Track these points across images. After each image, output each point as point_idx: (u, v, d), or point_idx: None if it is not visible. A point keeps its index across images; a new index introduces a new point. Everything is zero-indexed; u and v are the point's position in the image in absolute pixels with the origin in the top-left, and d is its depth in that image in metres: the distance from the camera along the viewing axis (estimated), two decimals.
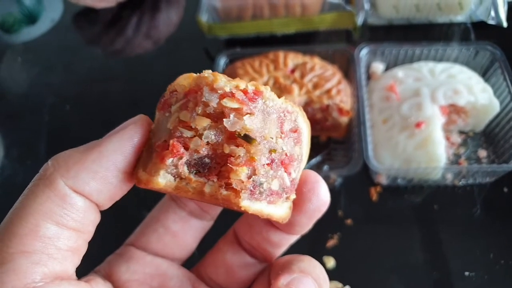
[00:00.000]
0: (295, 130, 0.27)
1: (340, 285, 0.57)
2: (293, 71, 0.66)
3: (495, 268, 0.57)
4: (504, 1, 0.76)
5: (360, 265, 0.59)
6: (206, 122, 0.24)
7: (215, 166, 0.25)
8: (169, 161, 0.24)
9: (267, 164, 0.25)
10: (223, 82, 0.24)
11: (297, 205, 0.29)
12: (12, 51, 0.96)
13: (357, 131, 0.63)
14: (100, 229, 0.27)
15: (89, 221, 0.26)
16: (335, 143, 0.69)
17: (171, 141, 0.24)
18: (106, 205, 0.27)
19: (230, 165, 0.24)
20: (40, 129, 0.79)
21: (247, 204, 0.24)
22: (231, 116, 0.24)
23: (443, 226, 0.61)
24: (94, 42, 0.96)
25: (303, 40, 0.84)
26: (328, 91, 0.64)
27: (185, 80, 0.25)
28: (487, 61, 0.69)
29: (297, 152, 0.27)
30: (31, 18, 1.01)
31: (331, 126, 0.67)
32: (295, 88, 0.63)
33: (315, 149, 0.69)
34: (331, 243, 0.61)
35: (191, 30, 0.89)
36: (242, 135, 0.24)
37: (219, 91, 0.24)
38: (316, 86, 0.64)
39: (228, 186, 0.24)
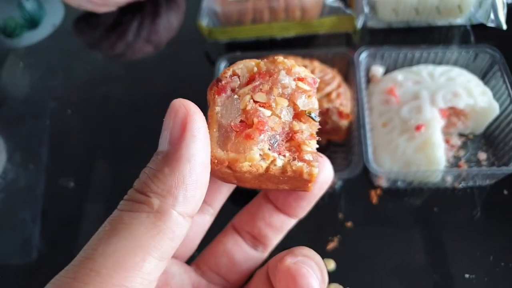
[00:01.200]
0: None
1: (340, 287, 0.57)
2: None
3: (495, 270, 0.57)
4: (503, 4, 0.76)
5: (360, 267, 0.59)
6: (285, 102, 0.27)
7: (282, 143, 0.27)
8: (260, 137, 0.26)
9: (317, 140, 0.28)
10: (298, 67, 0.28)
11: None
12: (13, 55, 0.96)
13: (357, 134, 0.63)
14: None
15: (179, 244, 0.25)
16: (335, 146, 0.69)
17: (255, 119, 0.26)
18: (196, 212, 0.26)
19: (299, 140, 0.27)
20: (42, 133, 0.80)
21: (317, 172, 0.27)
22: (303, 97, 0.27)
23: (443, 229, 0.62)
24: (95, 46, 0.97)
25: (303, 44, 0.84)
26: (328, 95, 0.64)
27: (248, 64, 0.28)
28: (486, 64, 0.70)
29: None
30: (33, 23, 1.02)
31: (331, 129, 0.67)
32: None
33: None
34: (332, 245, 0.61)
35: (192, 34, 0.89)
36: (310, 113, 0.27)
37: (296, 75, 0.27)
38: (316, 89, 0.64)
39: (301, 158, 0.27)
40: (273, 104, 0.27)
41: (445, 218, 0.62)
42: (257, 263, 0.35)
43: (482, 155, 0.66)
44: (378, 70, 0.72)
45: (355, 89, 0.67)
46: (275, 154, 0.27)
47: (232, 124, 0.27)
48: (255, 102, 0.27)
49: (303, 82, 0.28)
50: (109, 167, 0.75)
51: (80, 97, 0.86)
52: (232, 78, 0.28)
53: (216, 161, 0.26)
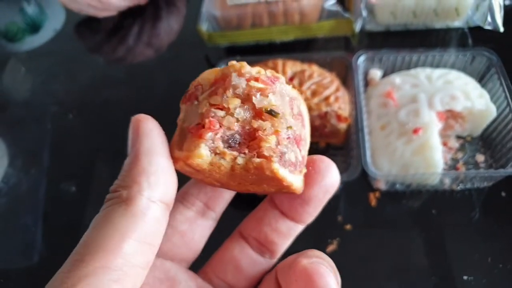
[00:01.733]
0: (300, 114, 0.31)
1: None
2: (291, 78, 0.67)
3: (493, 272, 0.58)
4: (500, 7, 0.76)
5: (359, 270, 0.60)
6: (237, 101, 0.28)
7: (244, 141, 0.28)
8: (208, 135, 0.27)
9: (287, 138, 0.28)
10: (249, 68, 0.29)
11: (310, 182, 0.31)
12: (15, 59, 0.97)
13: (355, 137, 0.64)
14: None
15: (160, 231, 0.27)
16: (334, 149, 0.70)
17: (206, 120, 0.27)
18: (172, 201, 0.28)
19: (260, 135, 0.27)
20: (43, 138, 0.81)
21: (277, 167, 0.28)
22: (258, 95, 0.28)
23: (442, 231, 0.62)
24: (96, 50, 0.98)
25: (302, 48, 0.85)
26: (326, 98, 0.65)
27: (209, 74, 0.30)
28: (483, 66, 0.70)
29: (303, 134, 0.31)
30: (34, 27, 1.03)
31: (330, 133, 0.68)
32: None
33: (314, 155, 0.70)
34: (331, 248, 0.61)
35: (192, 38, 0.90)
36: (268, 110, 0.28)
37: (246, 75, 0.28)
38: (314, 93, 0.65)
39: (260, 154, 0.28)
40: (225, 104, 0.28)
41: (443, 220, 0.63)
42: (264, 269, 0.35)
43: (480, 157, 0.67)
44: (376, 73, 0.73)
45: (353, 92, 0.67)
46: (235, 153, 0.28)
47: (189, 126, 0.28)
48: (211, 105, 0.28)
49: (256, 81, 0.28)
50: (111, 171, 0.76)
51: (81, 101, 0.86)
52: (197, 87, 0.30)
53: (174, 160, 0.28)
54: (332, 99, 0.65)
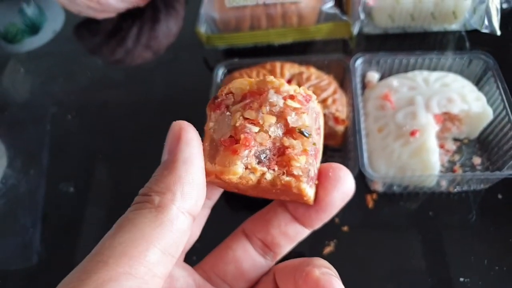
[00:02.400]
0: (319, 128, 0.32)
1: None
2: (289, 81, 0.67)
3: (489, 274, 0.58)
4: (497, 10, 0.77)
5: (356, 271, 0.60)
6: (273, 119, 0.28)
7: (273, 157, 0.29)
8: (244, 152, 0.28)
9: (312, 155, 0.29)
10: (287, 86, 0.29)
11: (329, 190, 0.32)
12: (14, 61, 0.97)
13: (352, 139, 0.64)
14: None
15: (183, 243, 0.27)
16: (331, 151, 0.70)
17: (242, 136, 0.28)
18: (198, 214, 0.28)
19: (290, 155, 0.28)
20: (42, 139, 0.81)
21: (305, 186, 0.29)
22: (293, 114, 0.29)
23: (438, 233, 0.62)
24: (95, 52, 0.98)
25: (300, 50, 0.85)
26: (324, 101, 0.65)
27: (242, 84, 0.30)
28: (480, 69, 0.71)
29: (321, 146, 0.32)
30: (34, 28, 1.03)
31: (328, 135, 0.68)
32: None
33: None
34: (328, 250, 0.62)
35: (190, 41, 0.90)
36: (300, 130, 0.29)
37: (284, 93, 0.29)
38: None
39: (289, 172, 0.28)
40: (261, 121, 0.28)
41: (440, 222, 0.63)
42: (264, 271, 0.36)
43: (477, 160, 0.67)
44: (373, 76, 0.73)
45: (351, 95, 0.68)
46: (264, 168, 0.28)
47: (222, 139, 0.28)
48: (245, 119, 0.28)
49: (293, 100, 0.29)
50: (109, 172, 0.76)
51: (80, 103, 0.87)
52: (227, 96, 0.30)
53: (205, 172, 0.28)
54: (329, 101, 0.65)
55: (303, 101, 0.29)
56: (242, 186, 0.29)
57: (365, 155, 0.62)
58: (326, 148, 0.72)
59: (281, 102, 0.29)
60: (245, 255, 0.35)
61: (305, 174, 0.28)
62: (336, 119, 0.65)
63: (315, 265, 0.29)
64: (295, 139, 0.29)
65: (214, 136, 0.29)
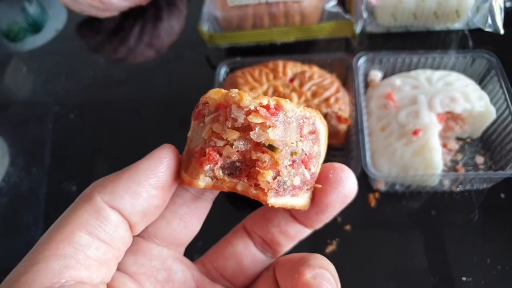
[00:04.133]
0: (313, 132, 0.31)
1: None
2: (292, 80, 0.67)
3: (492, 273, 0.58)
4: (500, 9, 0.77)
5: (359, 270, 0.60)
6: (235, 134, 0.28)
7: (245, 168, 0.29)
8: (207, 167, 0.29)
9: (289, 165, 0.29)
10: (248, 101, 0.28)
11: (329, 191, 0.31)
12: (17, 59, 0.98)
13: (355, 138, 0.64)
14: None
15: (120, 236, 0.28)
16: (334, 150, 0.70)
17: (207, 150, 0.28)
18: (139, 223, 0.29)
19: (258, 169, 0.28)
20: (45, 138, 0.81)
21: (273, 201, 0.29)
22: (257, 129, 0.28)
23: (441, 232, 0.62)
24: (97, 50, 0.98)
25: (302, 49, 0.85)
26: (326, 100, 0.65)
27: (215, 94, 0.30)
28: (483, 68, 0.70)
29: (316, 150, 0.31)
30: (36, 27, 1.03)
31: (330, 134, 0.68)
32: (294, 96, 0.65)
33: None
34: (330, 248, 0.62)
35: (193, 39, 0.90)
36: (266, 144, 0.28)
37: (245, 109, 0.28)
38: (314, 94, 0.65)
39: (257, 186, 0.29)
40: (224, 136, 0.29)
41: (442, 221, 0.63)
42: (264, 266, 0.36)
43: (480, 159, 0.67)
44: (376, 74, 0.73)
45: (354, 94, 0.67)
46: (234, 180, 0.29)
47: (195, 149, 0.30)
48: (213, 132, 0.29)
49: (256, 115, 0.28)
50: (111, 171, 0.76)
51: (83, 101, 0.87)
52: (204, 106, 0.30)
53: (180, 180, 0.30)
54: (332, 100, 0.65)
55: (267, 115, 0.28)
56: (229, 190, 0.30)
57: (368, 154, 0.62)
58: (329, 147, 0.71)
59: (242, 117, 0.28)
60: (246, 251, 0.35)
61: (273, 188, 0.28)
62: (339, 118, 0.65)
63: (310, 266, 0.29)
64: (263, 152, 0.28)
65: (191, 145, 0.31)
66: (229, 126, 0.28)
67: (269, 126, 0.28)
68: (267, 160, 0.28)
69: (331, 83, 0.67)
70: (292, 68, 0.68)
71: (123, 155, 0.78)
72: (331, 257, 0.60)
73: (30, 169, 0.77)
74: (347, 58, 0.72)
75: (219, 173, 0.29)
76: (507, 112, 0.64)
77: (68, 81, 0.91)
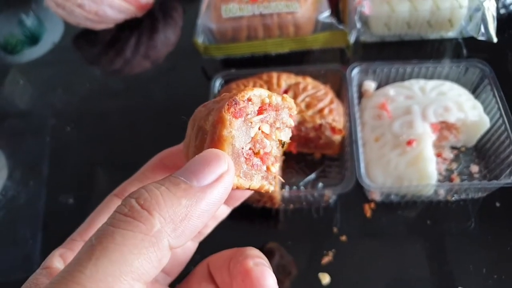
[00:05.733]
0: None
1: None
2: (286, 91, 0.68)
3: (487, 283, 0.58)
4: (493, 17, 0.77)
5: (355, 281, 0.60)
6: (280, 135, 0.32)
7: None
8: (263, 167, 0.31)
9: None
10: (296, 110, 0.33)
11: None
12: (14, 71, 0.98)
13: (349, 149, 0.64)
14: None
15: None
16: (329, 160, 0.70)
17: (261, 150, 0.30)
18: None
19: (268, 163, 0.31)
20: (42, 151, 0.81)
21: (272, 189, 0.32)
22: (286, 130, 0.33)
23: (436, 241, 0.62)
24: (94, 62, 0.99)
25: (297, 60, 0.86)
26: (320, 111, 0.65)
27: (262, 95, 0.31)
28: (477, 77, 0.71)
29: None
30: (33, 39, 1.04)
31: (325, 144, 0.68)
32: None
33: (309, 166, 0.70)
34: (326, 259, 0.62)
35: (188, 50, 0.90)
36: (282, 142, 0.32)
37: (292, 113, 0.33)
38: (308, 105, 0.66)
39: (266, 178, 0.31)
40: (273, 136, 0.31)
41: (438, 230, 0.63)
42: (191, 252, 0.38)
43: (474, 168, 0.67)
44: (370, 85, 0.73)
45: (348, 104, 0.68)
46: (264, 181, 0.31)
47: (243, 150, 0.29)
48: (262, 132, 0.30)
49: (292, 119, 0.32)
50: (108, 183, 0.77)
51: (79, 113, 0.87)
52: (247, 103, 0.30)
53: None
54: (326, 111, 0.65)
55: (295, 120, 0.33)
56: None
57: (362, 164, 0.62)
58: (324, 157, 0.72)
59: (289, 122, 0.32)
60: None
61: (273, 178, 0.32)
62: (333, 129, 0.65)
63: (249, 255, 0.31)
64: (277, 149, 0.32)
65: (235, 144, 0.29)
66: (276, 127, 0.31)
67: (290, 128, 0.33)
68: (274, 156, 0.32)
69: (325, 94, 0.67)
70: (286, 79, 0.69)
71: (120, 167, 0.78)
72: (327, 268, 0.61)
73: (28, 182, 0.77)
74: (341, 68, 0.73)
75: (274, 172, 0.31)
76: (500, 121, 0.64)
77: (65, 93, 0.92)
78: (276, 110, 0.31)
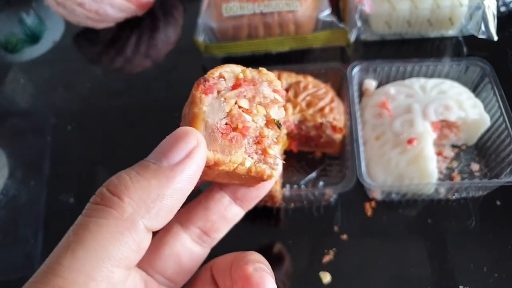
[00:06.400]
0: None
1: None
2: (287, 90, 0.68)
3: (488, 281, 0.58)
4: (494, 16, 0.77)
5: (356, 280, 0.60)
6: (264, 110, 0.30)
7: (251, 146, 0.31)
8: (245, 141, 0.29)
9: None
10: (277, 81, 0.31)
11: None
12: (15, 70, 0.98)
13: (350, 148, 0.64)
14: None
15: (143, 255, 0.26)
16: (330, 158, 0.70)
17: (239, 124, 0.29)
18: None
19: (265, 144, 0.30)
20: (43, 150, 0.81)
21: (275, 173, 0.31)
22: (276, 107, 0.31)
23: (437, 240, 0.62)
24: (95, 61, 0.99)
25: (297, 58, 0.86)
26: (321, 109, 0.65)
27: (236, 70, 0.30)
28: (477, 76, 0.71)
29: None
30: (34, 38, 1.04)
31: (325, 143, 0.68)
32: (289, 107, 0.65)
33: (310, 165, 0.70)
34: (327, 258, 0.62)
35: (189, 49, 0.90)
36: (277, 122, 0.31)
37: (274, 87, 0.31)
38: (309, 104, 0.66)
39: (265, 161, 0.30)
40: (254, 111, 0.30)
41: (439, 229, 0.63)
42: (201, 260, 0.36)
43: (475, 166, 0.67)
44: (371, 83, 0.73)
45: (348, 103, 0.68)
46: (246, 155, 0.30)
47: (218, 126, 0.29)
48: (239, 107, 0.30)
49: (278, 94, 0.31)
50: None
51: (80, 112, 0.87)
52: (219, 79, 0.30)
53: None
54: (327, 110, 0.65)
55: (283, 96, 0.31)
56: (215, 172, 0.30)
57: (363, 163, 0.62)
58: (324, 156, 0.72)
59: (272, 95, 0.30)
60: (183, 249, 0.35)
61: (275, 162, 0.31)
62: (334, 128, 0.65)
63: (249, 261, 0.30)
64: (271, 129, 0.31)
65: (208, 121, 0.29)
66: (258, 102, 0.30)
67: (283, 106, 0.31)
68: (272, 137, 0.31)
69: (325, 93, 0.67)
70: (286, 78, 0.69)
71: (121, 166, 0.78)
72: (328, 267, 0.61)
73: (29, 181, 0.77)
74: (341, 67, 0.73)
75: (248, 149, 0.30)
76: (501, 119, 0.64)
77: (66, 92, 0.92)
78: (253, 85, 0.30)
